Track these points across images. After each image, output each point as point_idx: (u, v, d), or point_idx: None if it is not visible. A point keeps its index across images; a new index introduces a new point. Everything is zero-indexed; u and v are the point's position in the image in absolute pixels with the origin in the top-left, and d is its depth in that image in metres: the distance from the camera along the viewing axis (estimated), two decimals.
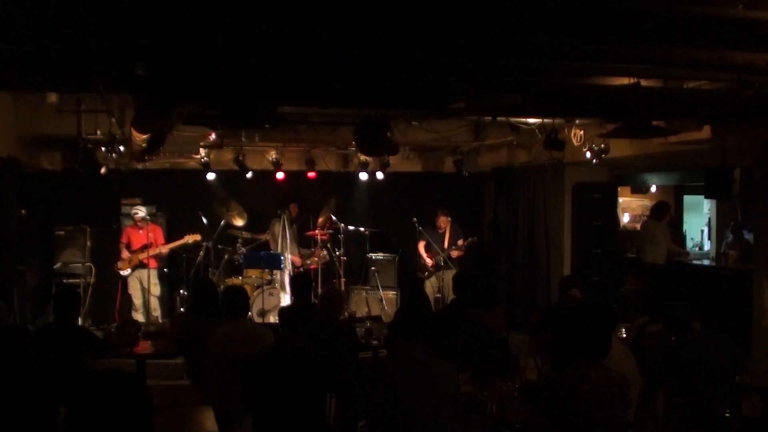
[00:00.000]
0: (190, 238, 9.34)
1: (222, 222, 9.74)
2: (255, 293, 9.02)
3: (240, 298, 5.50)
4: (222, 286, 8.87)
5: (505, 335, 6.30)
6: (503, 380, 4.62)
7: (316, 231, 9.96)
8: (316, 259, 9.81)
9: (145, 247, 9.19)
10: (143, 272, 9.25)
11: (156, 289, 9.39)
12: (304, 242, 10.26)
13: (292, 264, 9.55)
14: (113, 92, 6.04)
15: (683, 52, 4.31)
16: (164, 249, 9.33)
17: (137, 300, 9.30)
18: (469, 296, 6.46)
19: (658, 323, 5.55)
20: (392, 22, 3.92)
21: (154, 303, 9.37)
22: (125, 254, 9.26)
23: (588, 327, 3.67)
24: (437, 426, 3.56)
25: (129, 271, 9.27)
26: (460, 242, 9.93)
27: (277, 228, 9.54)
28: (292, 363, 3.66)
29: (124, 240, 9.35)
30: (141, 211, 9.25)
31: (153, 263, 9.35)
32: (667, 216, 10.02)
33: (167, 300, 9.78)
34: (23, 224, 8.62)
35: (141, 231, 9.24)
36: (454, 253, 9.82)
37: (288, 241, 9.40)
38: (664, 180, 13.11)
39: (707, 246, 12.98)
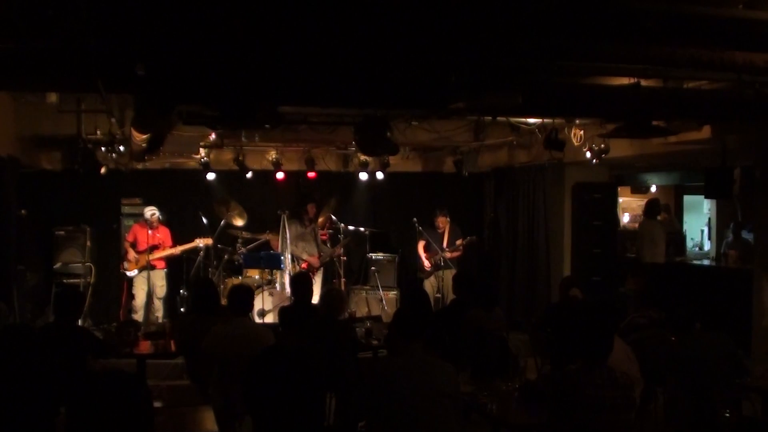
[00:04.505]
0: (201, 242, 9.31)
1: (222, 222, 9.72)
2: (255, 293, 9.00)
3: (246, 297, 5.51)
4: (222, 286, 8.88)
5: (505, 335, 6.30)
6: (503, 380, 4.61)
7: None
8: (327, 258, 9.82)
9: (152, 248, 9.17)
10: (150, 273, 9.20)
11: (161, 291, 9.37)
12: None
13: (310, 265, 9.52)
14: (113, 92, 6.04)
15: (683, 52, 4.31)
16: (177, 251, 9.32)
17: (139, 300, 9.27)
18: (469, 296, 6.46)
19: (645, 317, 5.57)
20: (392, 22, 3.92)
21: (158, 304, 9.36)
22: (132, 255, 9.19)
23: (591, 326, 3.66)
24: (437, 426, 3.56)
25: (136, 271, 9.22)
26: (458, 242, 9.93)
27: (294, 229, 9.49)
28: (292, 363, 3.65)
29: (130, 238, 9.27)
30: (156, 212, 9.23)
31: (161, 264, 9.34)
32: (660, 212, 10.06)
33: (168, 300, 9.77)
34: (23, 224, 8.61)
35: (150, 231, 9.22)
36: (450, 254, 9.81)
37: (288, 241, 9.38)
38: (664, 180, 13.13)
39: (707, 246, 13.00)
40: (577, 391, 3.51)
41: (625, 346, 4.73)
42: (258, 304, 8.91)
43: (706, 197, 11.03)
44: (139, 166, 9.58)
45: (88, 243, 9.62)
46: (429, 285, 9.92)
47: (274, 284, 9.38)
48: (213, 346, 5.14)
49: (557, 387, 3.66)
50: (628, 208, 14.34)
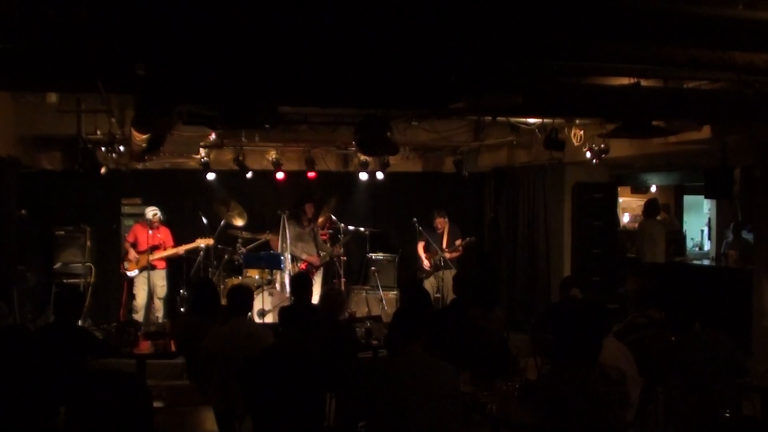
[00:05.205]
0: (203, 242, 9.31)
1: (222, 222, 9.73)
2: (255, 293, 9.00)
3: (246, 297, 5.51)
4: (222, 286, 8.88)
5: (505, 335, 6.30)
6: (503, 380, 4.61)
7: None
8: (327, 258, 9.81)
9: (153, 248, 9.16)
10: (151, 273, 9.20)
11: (162, 291, 9.37)
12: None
13: (309, 265, 9.52)
14: (113, 92, 6.04)
15: (683, 52, 4.31)
16: (180, 250, 9.31)
17: (140, 300, 9.28)
18: (469, 296, 6.47)
19: (646, 317, 5.57)
20: (392, 22, 3.92)
21: (158, 304, 9.36)
22: (133, 255, 9.19)
23: (580, 328, 3.67)
24: (437, 426, 3.56)
25: (136, 272, 9.23)
26: (457, 243, 9.94)
27: (293, 230, 9.48)
28: (292, 363, 3.65)
29: (130, 239, 9.28)
30: (157, 212, 9.22)
31: (162, 264, 9.34)
32: (660, 211, 10.08)
33: (168, 300, 9.77)
34: (23, 224, 8.61)
35: (151, 232, 9.22)
36: (450, 255, 9.81)
37: (288, 241, 9.39)
38: (664, 180, 13.14)
39: (707, 246, 13.01)
40: (571, 389, 3.52)
41: (623, 346, 4.73)
42: (258, 304, 8.91)
43: (706, 197, 11.04)
44: (139, 166, 9.58)
45: (88, 243, 9.62)
46: (429, 285, 9.92)
47: (274, 284, 9.39)
48: (213, 346, 5.14)
49: (552, 386, 3.66)
50: (628, 208, 14.35)
